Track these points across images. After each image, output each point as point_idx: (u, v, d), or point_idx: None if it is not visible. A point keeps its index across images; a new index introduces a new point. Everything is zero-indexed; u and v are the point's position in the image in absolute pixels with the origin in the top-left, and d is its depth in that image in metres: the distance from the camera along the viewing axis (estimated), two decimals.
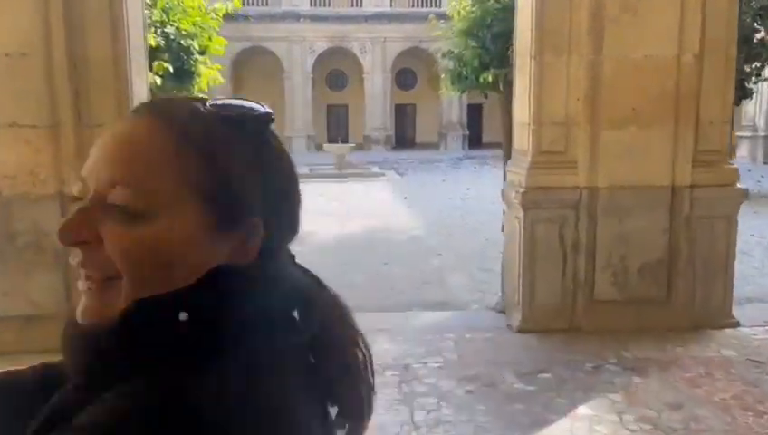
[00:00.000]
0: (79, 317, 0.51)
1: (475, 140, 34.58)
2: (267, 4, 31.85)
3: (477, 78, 8.01)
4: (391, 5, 32.11)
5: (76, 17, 3.86)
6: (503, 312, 4.78)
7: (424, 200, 12.76)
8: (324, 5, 32.22)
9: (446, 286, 5.79)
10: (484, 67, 8.03)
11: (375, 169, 20.12)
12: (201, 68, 7.76)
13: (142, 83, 4.31)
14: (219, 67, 8.22)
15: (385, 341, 4.05)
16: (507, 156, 8.64)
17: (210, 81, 8.20)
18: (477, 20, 7.99)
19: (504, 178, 8.79)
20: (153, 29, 7.19)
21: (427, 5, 32.27)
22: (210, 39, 7.85)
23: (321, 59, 32.49)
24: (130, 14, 4.04)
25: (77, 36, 3.88)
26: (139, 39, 4.22)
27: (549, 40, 4.17)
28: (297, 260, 0.64)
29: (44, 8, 3.76)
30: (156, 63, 7.15)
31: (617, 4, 4.09)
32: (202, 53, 7.80)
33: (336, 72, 35.39)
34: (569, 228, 4.29)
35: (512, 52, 7.74)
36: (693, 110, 4.16)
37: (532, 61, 4.22)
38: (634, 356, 3.79)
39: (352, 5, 32.22)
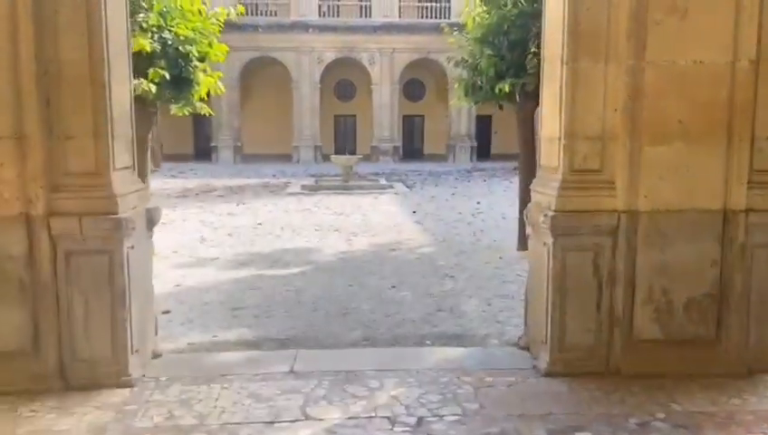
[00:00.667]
0: None
1: (483, 151, 34.13)
2: (276, 15, 31.64)
3: (493, 88, 7.51)
4: (400, 16, 31.81)
5: (47, 13, 3.41)
6: (526, 349, 4.25)
7: (433, 215, 12.25)
8: (333, 16, 31.96)
9: (460, 315, 5.27)
10: (500, 77, 7.54)
11: (382, 182, 19.66)
12: (200, 76, 7.32)
13: (125, 92, 3.84)
14: (220, 75, 7.78)
15: (395, 384, 3.53)
16: (526, 170, 8.14)
17: (211, 89, 7.75)
18: (493, 27, 7.51)
19: (520, 193, 8.33)
20: (150, 34, 6.76)
21: (436, 16, 31.95)
22: (210, 45, 7.41)
23: (330, 69, 32.20)
24: (111, 14, 3.59)
25: (48, 36, 3.42)
26: (120, 42, 3.76)
27: (584, 44, 3.67)
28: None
29: (10, 2, 3.31)
30: (151, 70, 6.72)
31: (662, 4, 3.60)
32: (202, 59, 7.36)
33: (344, 82, 35.07)
34: (605, 257, 3.77)
35: (530, 60, 7.28)
36: (748, 123, 3.64)
37: (564, 67, 3.73)
38: (685, 410, 3.25)
39: (361, 16, 31.95)
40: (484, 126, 34.17)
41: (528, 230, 4.39)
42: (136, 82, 6.66)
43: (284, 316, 5.24)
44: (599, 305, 3.80)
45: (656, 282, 3.76)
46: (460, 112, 32.77)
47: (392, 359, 4.04)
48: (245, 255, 8.08)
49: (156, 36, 6.85)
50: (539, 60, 7.30)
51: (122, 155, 3.76)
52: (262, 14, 31.53)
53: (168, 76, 6.81)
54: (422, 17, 32.20)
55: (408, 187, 18.64)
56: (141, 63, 6.84)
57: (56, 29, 3.43)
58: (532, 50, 7.16)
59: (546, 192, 3.93)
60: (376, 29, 31.46)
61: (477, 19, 7.84)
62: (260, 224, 10.86)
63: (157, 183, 19.35)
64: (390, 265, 7.41)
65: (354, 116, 35.49)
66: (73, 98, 3.49)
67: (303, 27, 31.11)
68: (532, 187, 4.28)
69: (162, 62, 6.83)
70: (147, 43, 6.54)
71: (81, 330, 3.60)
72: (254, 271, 7.05)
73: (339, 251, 8.35)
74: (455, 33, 8.23)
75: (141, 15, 6.59)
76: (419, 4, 32.48)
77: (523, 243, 8.01)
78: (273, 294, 5.99)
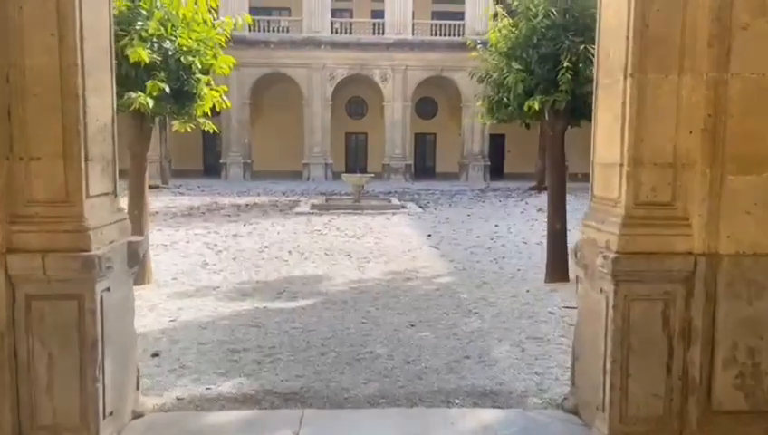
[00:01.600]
0: None
1: (496, 170, 33.52)
2: (288, 31, 31.39)
3: (521, 105, 6.90)
4: (413, 33, 31.43)
5: (10, 9, 2.84)
6: (575, 413, 3.58)
7: (449, 238, 11.60)
8: (346, 33, 31.66)
9: (491, 363, 4.60)
10: (528, 93, 6.94)
11: (395, 201, 19.05)
12: (204, 89, 6.76)
13: (104, 105, 3.26)
14: (225, 89, 7.22)
15: None
16: (556, 195, 7.49)
17: (216, 104, 7.19)
18: (522, 40, 6.92)
19: (549, 220, 7.60)
20: (149, 44, 6.22)
21: (450, 34, 31.58)
22: (215, 57, 6.87)
23: (341, 86, 31.83)
24: (88, 10, 3.01)
25: (11, 36, 2.85)
26: (100, 45, 3.18)
27: (653, 52, 3.05)
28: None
29: None
30: (150, 82, 6.17)
31: (749, 4, 2.98)
32: (206, 72, 6.82)
33: (356, 99, 34.71)
34: (677, 309, 3.11)
35: (562, 75, 6.67)
36: None
37: (628, 80, 3.10)
38: None
39: (374, 33, 31.62)
40: (497, 145, 33.61)
41: (576, 270, 3.73)
42: (132, 95, 6.12)
43: (289, 361, 4.59)
44: (669, 367, 3.14)
45: (740, 340, 3.10)
46: (473, 131, 32.24)
47: (416, 425, 3.37)
48: (250, 283, 7.45)
49: (156, 46, 6.31)
50: (572, 75, 6.74)
51: (99, 180, 3.17)
52: (274, 31, 31.30)
53: (167, 89, 6.25)
54: (436, 35, 31.82)
55: (421, 207, 18.02)
56: (140, 75, 6.31)
57: (20, 28, 2.86)
58: (564, 64, 6.57)
59: (604, 229, 3.28)
60: (389, 46, 31.10)
61: (504, 31, 7.25)
62: (266, 247, 10.26)
63: (163, 201, 18.88)
64: (407, 297, 6.75)
65: (365, 134, 35.05)
66: (40, 111, 2.91)
67: (315, 44, 30.81)
68: (584, 220, 3.63)
69: (162, 74, 6.28)
70: (145, 54, 6.00)
71: (44, 390, 2.99)
72: (257, 303, 6.43)
73: (350, 280, 7.71)
74: (478, 46, 7.63)
75: (140, 24, 6.06)
76: (433, 22, 32.14)
77: (552, 274, 7.36)
78: (278, 332, 5.35)
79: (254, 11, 31.31)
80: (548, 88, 6.91)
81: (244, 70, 30.91)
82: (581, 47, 6.54)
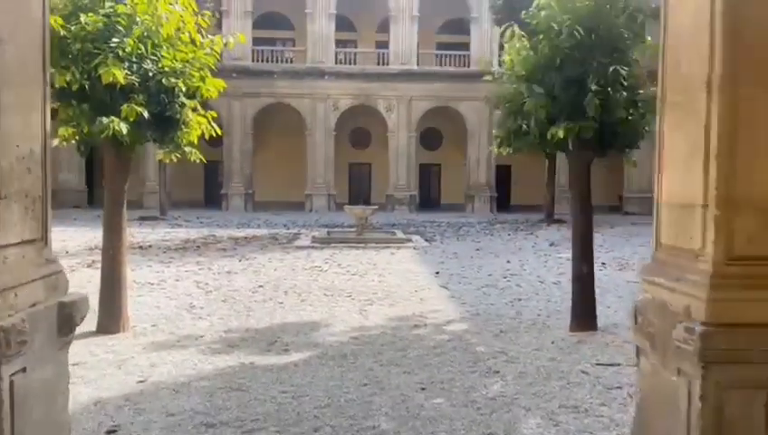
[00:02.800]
0: None
1: (502, 202, 32.83)
2: (291, 61, 31.13)
3: (543, 134, 6.18)
4: (418, 64, 31.10)
5: None
6: None
7: (459, 276, 10.78)
8: (350, 63, 31.35)
9: None
10: (551, 120, 6.22)
11: (399, 235, 18.26)
12: (188, 114, 6.07)
13: (31, 130, 2.52)
14: (214, 114, 6.51)
15: None
16: (582, 234, 6.71)
17: (205, 131, 6.48)
18: (543, 62, 6.23)
19: (574, 261, 6.78)
20: (126, 64, 5.55)
21: (455, 65, 31.25)
22: (203, 79, 6.19)
23: (345, 116, 31.42)
24: (4, 4, 2.30)
25: None
26: (23, 53, 2.46)
27: (748, 60, 2.31)
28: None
29: None
30: (125, 106, 5.48)
31: None
32: (192, 96, 6.13)
33: (359, 130, 34.26)
34: None
35: (590, 100, 5.95)
36: None
37: (714, 96, 2.36)
38: None
39: (378, 63, 31.33)
40: (502, 176, 32.98)
41: (636, 338, 2.93)
42: (105, 120, 5.42)
43: None
44: None
45: None
46: (479, 162, 31.67)
47: None
48: (238, 331, 6.64)
49: (135, 67, 5.63)
50: (601, 100, 6.02)
51: (18, 223, 2.41)
52: (277, 61, 31.04)
53: (145, 114, 5.55)
54: (441, 66, 31.50)
55: (426, 240, 17.23)
56: (116, 99, 5.63)
57: None
58: (592, 88, 5.86)
59: (680, 289, 2.50)
60: (393, 76, 30.76)
61: (522, 53, 6.56)
62: (261, 286, 9.46)
63: (159, 233, 18.18)
64: (415, 350, 5.93)
65: (369, 164, 34.50)
66: None
67: (319, 74, 30.50)
68: (644, 274, 2.84)
69: (140, 98, 5.59)
70: (121, 74, 5.32)
71: None
72: (244, 357, 5.61)
73: (351, 327, 6.90)
74: (494, 71, 6.94)
75: (115, 40, 5.39)
76: (438, 52, 31.85)
77: (578, 323, 6.53)
78: (264, 398, 4.52)
79: (257, 42, 31.20)
80: (573, 115, 6.20)
81: (247, 100, 30.60)
82: (612, 68, 5.85)
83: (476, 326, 6.98)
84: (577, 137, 6.21)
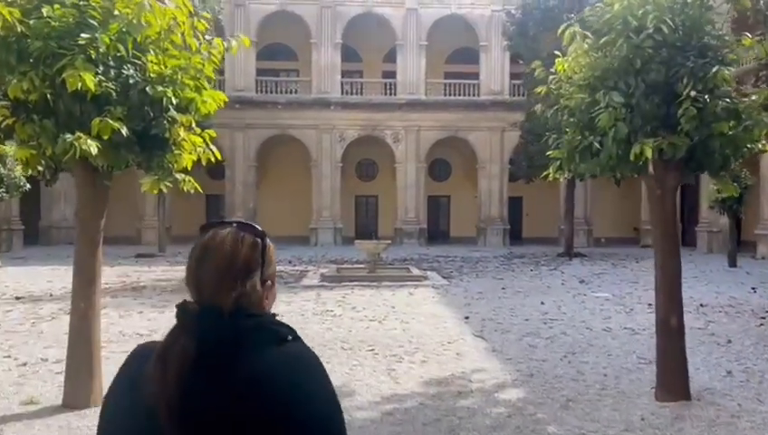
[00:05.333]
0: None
1: (515, 234, 31.53)
2: (296, 92, 30.25)
3: (626, 152, 4.93)
4: (426, 94, 30.20)
5: None
6: None
7: (493, 322, 9.44)
8: (356, 93, 30.48)
9: None
10: (629, 136, 4.99)
11: (414, 271, 16.94)
12: (180, 133, 4.86)
13: None
14: (212, 133, 5.30)
15: None
16: (669, 269, 5.41)
17: (201, 156, 5.26)
18: (618, 64, 5.04)
19: (659, 306, 5.34)
20: (101, 67, 4.37)
21: (463, 94, 30.36)
22: (200, 90, 5.01)
23: (351, 147, 30.42)
24: None
25: None
26: None
27: None
28: None
29: None
30: (96, 120, 4.27)
31: None
32: (184, 110, 4.93)
33: (366, 161, 33.24)
34: None
35: (687, 111, 4.73)
36: None
37: None
38: None
39: (385, 93, 30.45)
40: (513, 207, 31.77)
41: None
42: (69, 138, 4.20)
43: None
44: None
45: None
46: (490, 193, 30.52)
47: None
48: None
49: (112, 72, 4.45)
50: (698, 109, 4.81)
51: None
52: (282, 92, 30.20)
53: (124, 131, 4.34)
54: (449, 95, 30.60)
55: (444, 277, 15.90)
56: (87, 111, 4.43)
57: None
58: (690, 94, 4.65)
59: None
60: (401, 106, 29.86)
61: (582, 59, 5.37)
62: None
63: (156, 272, 16.88)
64: (469, 433, 4.57)
65: (376, 196, 33.39)
66: None
67: (325, 104, 29.62)
68: None
69: (119, 110, 4.39)
70: (92, 80, 4.13)
71: None
72: None
73: (381, 396, 5.54)
74: (553, 78, 5.73)
75: (86, 36, 4.21)
76: (447, 81, 30.98)
77: (666, 389, 5.18)
78: None
79: (261, 72, 30.42)
80: (657, 128, 4.98)
81: (250, 132, 29.63)
82: (714, 69, 4.65)
83: (535, 393, 5.62)
84: (660, 155, 4.97)
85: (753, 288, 13.66)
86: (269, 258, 1.26)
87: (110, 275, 15.95)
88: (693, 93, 4.63)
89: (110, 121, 4.26)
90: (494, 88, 30.19)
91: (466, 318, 9.79)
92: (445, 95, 30.56)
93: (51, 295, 12.07)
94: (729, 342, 7.92)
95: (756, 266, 19.25)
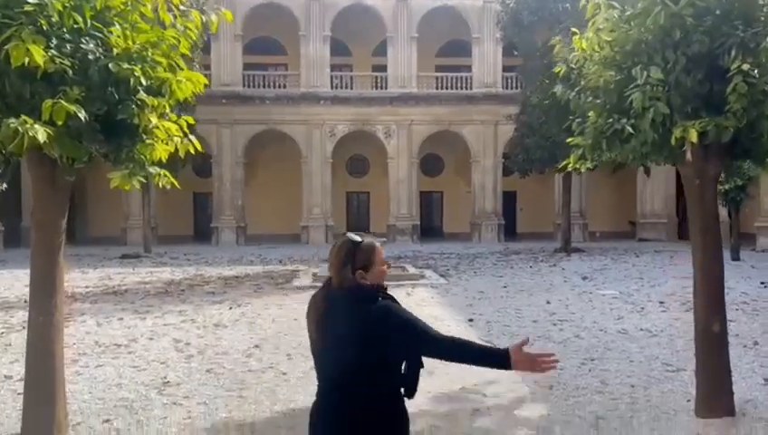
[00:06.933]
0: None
1: (509, 230, 30.95)
2: (285, 87, 29.44)
3: (665, 137, 4.31)
4: (418, 87, 29.52)
5: None
6: None
7: (499, 325, 8.84)
8: (346, 87, 29.74)
9: None
10: (665, 119, 4.37)
11: (411, 269, 16.29)
12: (152, 119, 4.18)
13: None
14: (190, 120, 4.62)
15: None
16: (710, 264, 4.80)
17: (179, 146, 4.58)
18: (654, 36, 4.41)
19: (699, 306, 4.55)
20: (54, 41, 3.68)
21: (457, 87, 29.72)
22: (175, 71, 4.33)
23: (342, 143, 29.67)
24: None
25: None
26: None
27: None
28: None
29: None
30: (47, 103, 3.58)
31: None
32: (156, 92, 4.25)
33: (357, 157, 32.52)
34: None
35: (738, 88, 4.11)
36: None
37: None
38: None
39: (376, 87, 29.71)
40: (507, 202, 31.18)
41: None
42: (13, 122, 3.51)
43: None
44: None
45: None
46: (484, 188, 29.92)
47: None
48: (225, 431, 4.64)
49: (68, 47, 3.76)
50: (750, 86, 4.19)
51: None
52: (269, 86, 29.38)
53: (82, 115, 3.65)
54: (442, 88, 29.94)
55: (442, 276, 15.30)
56: (38, 92, 3.74)
57: None
58: (742, 67, 4.04)
59: None
60: (392, 100, 29.16)
61: (607, 33, 4.75)
62: (257, 346, 7.47)
63: (140, 274, 16.12)
64: None
65: (368, 193, 32.69)
66: None
67: (314, 99, 28.85)
68: None
69: (75, 91, 3.70)
70: (41, 54, 3.45)
71: None
72: None
73: None
74: (574, 57, 5.09)
75: (33, 1, 3.52)
76: (439, 75, 30.31)
77: (708, 404, 4.58)
78: None
79: (248, 67, 29.60)
80: (700, 109, 4.37)
81: (238, 127, 28.80)
82: None
83: (559, 410, 5.01)
84: (718, 137, 4.34)
85: (763, 283, 13.16)
86: (360, 256, 2.32)
87: (91, 278, 15.19)
88: (746, 67, 4.00)
89: (65, 104, 3.57)
90: (486, 81, 29.59)
91: (470, 321, 9.18)
92: (437, 89, 29.90)
93: (25, 302, 11.31)
94: (756, 344, 7.36)
95: (759, 259, 18.81)
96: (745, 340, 7.54)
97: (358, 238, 2.31)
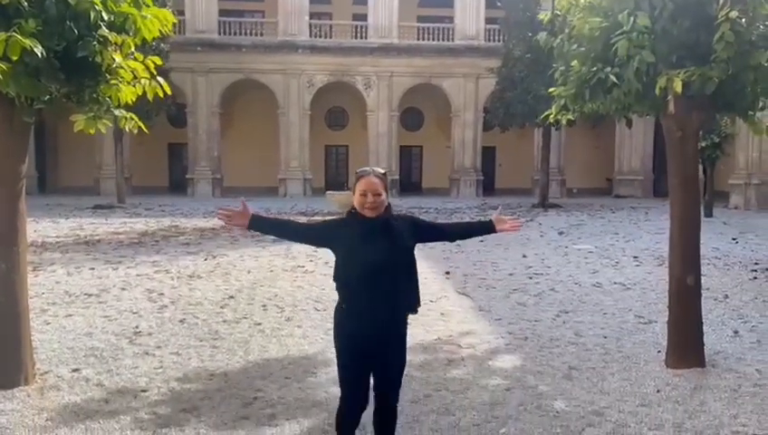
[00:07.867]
0: (373, 214, 2.91)
1: (487, 185, 31.05)
2: (262, 34, 28.56)
3: (645, 87, 4.21)
4: (399, 38, 28.87)
5: None
6: None
7: (475, 277, 8.88)
8: (325, 36, 28.96)
9: None
10: (649, 68, 4.27)
11: None
12: (115, 58, 3.95)
13: None
14: (157, 60, 4.38)
15: None
16: (688, 220, 4.81)
17: (147, 89, 4.35)
18: None
19: (675, 259, 4.47)
20: None
21: (438, 39, 29.15)
22: (139, 6, 4.07)
23: (320, 94, 29.10)
24: None
25: None
26: None
27: None
28: None
29: None
30: (2, 36, 3.33)
31: None
32: (120, 29, 4.00)
33: (336, 109, 32.03)
34: None
35: (725, 36, 4.01)
36: None
37: None
38: None
39: (356, 37, 29.00)
40: (486, 158, 31.14)
41: None
42: None
43: None
44: None
45: None
46: (464, 143, 29.79)
47: None
48: (198, 378, 4.59)
49: None
50: (737, 35, 4.08)
51: None
52: (246, 33, 28.48)
53: (39, 51, 3.42)
54: (423, 39, 29.34)
55: None
56: None
57: None
58: (729, 14, 3.92)
59: None
60: (373, 51, 28.55)
61: None
62: (232, 297, 7.39)
63: (113, 224, 15.84)
64: (467, 412, 3.97)
65: (346, 146, 32.37)
66: None
67: (292, 48, 28.10)
68: None
69: (30, 24, 3.45)
70: None
71: None
72: (205, 434, 3.58)
73: None
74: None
75: None
76: (420, 25, 29.65)
77: (678, 355, 4.66)
78: None
79: (223, 13, 28.58)
80: (685, 58, 4.27)
81: (213, 76, 28.01)
82: None
83: (533, 360, 5.05)
84: (702, 87, 4.25)
85: (734, 239, 13.41)
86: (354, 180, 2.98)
87: (62, 227, 14.89)
88: (733, 14, 3.89)
89: (20, 38, 3.33)
90: (469, 32, 29.05)
91: (447, 273, 9.20)
92: (418, 40, 29.30)
93: None
94: (726, 297, 7.51)
95: (731, 216, 19.16)
96: (716, 293, 7.68)
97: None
